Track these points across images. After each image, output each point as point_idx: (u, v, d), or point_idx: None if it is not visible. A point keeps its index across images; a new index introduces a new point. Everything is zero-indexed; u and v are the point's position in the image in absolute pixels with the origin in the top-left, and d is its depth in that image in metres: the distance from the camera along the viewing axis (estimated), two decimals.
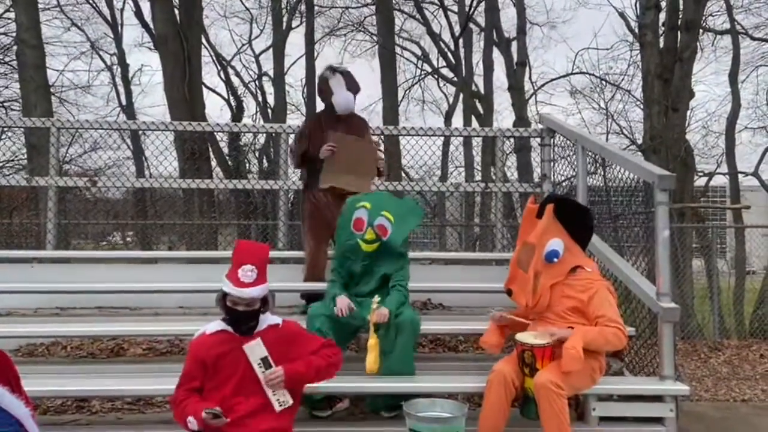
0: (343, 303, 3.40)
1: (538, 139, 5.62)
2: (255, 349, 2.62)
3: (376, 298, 3.37)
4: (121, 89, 16.05)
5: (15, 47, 11.95)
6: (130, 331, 3.95)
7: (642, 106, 10.97)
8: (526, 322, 3.25)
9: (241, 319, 2.64)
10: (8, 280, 4.48)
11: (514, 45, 13.43)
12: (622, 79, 14.80)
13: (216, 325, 2.72)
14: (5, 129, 11.82)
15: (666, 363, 3.41)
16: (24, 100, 10.52)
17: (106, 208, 12.50)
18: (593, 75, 15.28)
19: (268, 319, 2.73)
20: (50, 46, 13.97)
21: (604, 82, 14.97)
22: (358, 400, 3.70)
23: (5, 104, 14.74)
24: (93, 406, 3.61)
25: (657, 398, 3.36)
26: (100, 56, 16.34)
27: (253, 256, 2.67)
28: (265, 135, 13.65)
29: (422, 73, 17.56)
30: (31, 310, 4.49)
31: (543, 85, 17.02)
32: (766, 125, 12.78)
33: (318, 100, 4.61)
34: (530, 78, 16.04)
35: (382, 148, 4.58)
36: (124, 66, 15.79)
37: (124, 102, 15.96)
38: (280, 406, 2.63)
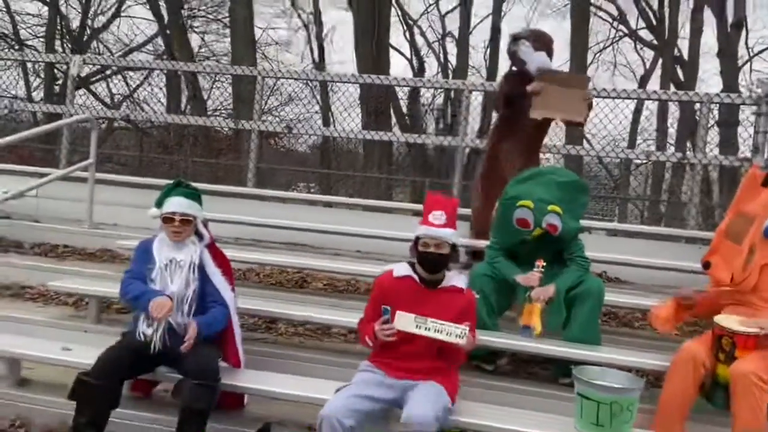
0: (526, 279, 3.24)
1: (753, 108, 5.04)
2: (401, 321, 2.64)
3: (541, 262, 3.23)
4: (314, 46, 17.09)
5: (228, 5, 13.29)
6: (316, 265, 4.36)
7: None
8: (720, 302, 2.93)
9: (431, 261, 2.75)
10: (214, 211, 5.09)
11: (729, 2, 11.91)
12: None
13: (404, 269, 2.85)
14: (218, 76, 13.30)
15: None
16: (234, 53, 11.72)
17: (294, 159, 13.63)
18: None
19: (454, 279, 2.84)
20: (256, 4, 15.22)
21: None
22: (522, 362, 3.68)
23: (216, 57, 16.57)
24: (279, 328, 4.00)
25: None
26: (299, 14, 17.55)
27: (443, 205, 2.83)
28: (443, 96, 13.76)
29: (617, 35, 16.32)
30: (232, 238, 5.09)
31: (762, 51, 14.99)
32: None
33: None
34: (746, 42, 14.20)
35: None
36: (319, 24, 16.80)
37: (317, 59, 16.97)
38: (459, 337, 2.64)
